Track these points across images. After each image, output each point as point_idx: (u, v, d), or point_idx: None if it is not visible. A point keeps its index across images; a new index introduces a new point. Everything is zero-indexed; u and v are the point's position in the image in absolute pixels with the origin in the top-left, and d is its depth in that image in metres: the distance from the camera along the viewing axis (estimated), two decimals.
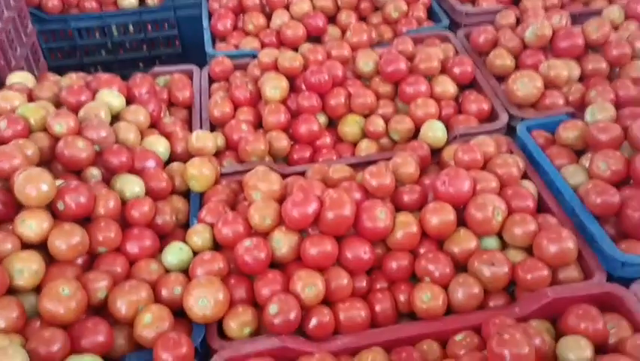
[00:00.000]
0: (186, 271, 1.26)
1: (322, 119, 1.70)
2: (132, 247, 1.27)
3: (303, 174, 1.49)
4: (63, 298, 1.07)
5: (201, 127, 1.69)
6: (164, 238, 1.36)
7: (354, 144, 1.68)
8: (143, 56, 2.58)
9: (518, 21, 1.93)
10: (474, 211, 1.26)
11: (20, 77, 1.68)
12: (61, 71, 2.47)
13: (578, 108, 1.61)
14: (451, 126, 1.63)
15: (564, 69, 1.66)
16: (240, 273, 1.25)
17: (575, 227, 1.30)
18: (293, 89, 1.73)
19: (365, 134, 1.66)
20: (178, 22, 2.48)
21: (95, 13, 2.43)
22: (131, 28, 2.50)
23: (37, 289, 1.14)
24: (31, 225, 1.16)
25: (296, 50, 2.03)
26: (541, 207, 1.37)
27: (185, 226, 1.43)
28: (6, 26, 1.98)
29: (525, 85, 1.62)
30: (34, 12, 2.33)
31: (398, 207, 1.35)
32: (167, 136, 1.59)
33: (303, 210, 1.23)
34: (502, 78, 1.77)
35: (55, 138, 1.39)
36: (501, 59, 1.76)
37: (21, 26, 2.12)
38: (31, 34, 2.19)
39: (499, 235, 1.29)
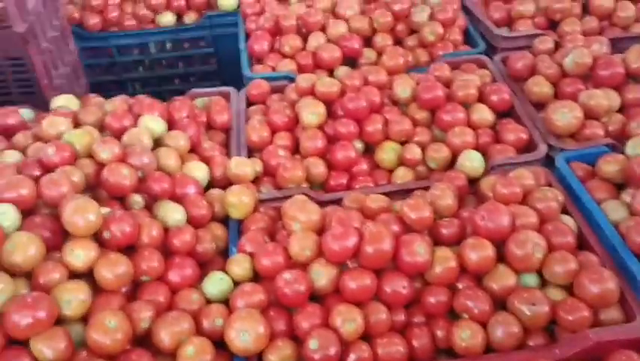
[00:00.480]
0: (226, 301, 1.28)
1: (359, 145, 1.71)
2: (174, 276, 1.29)
3: (340, 201, 1.51)
4: (109, 330, 1.10)
5: (239, 151, 1.72)
6: (204, 265, 1.39)
7: (391, 171, 1.68)
8: (180, 73, 2.63)
9: (557, 46, 1.92)
10: (514, 248, 1.26)
11: (64, 100, 1.72)
12: (100, 87, 2.55)
13: (619, 139, 1.60)
14: (489, 155, 1.62)
15: (604, 99, 1.64)
16: (279, 305, 1.26)
17: (616, 265, 1.29)
18: (330, 114, 1.74)
19: (402, 161, 1.67)
20: (214, 40, 2.52)
21: (133, 31, 2.48)
22: (168, 45, 2.54)
23: (83, 318, 1.17)
24: (80, 255, 1.19)
25: (332, 72, 2.06)
26: (581, 243, 1.36)
27: (224, 252, 1.45)
28: (50, 46, 2.03)
29: (564, 115, 1.61)
30: (75, 30, 2.38)
31: (436, 240, 1.35)
32: (206, 161, 1.62)
33: (343, 243, 1.24)
34: (540, 105, 1.76)
35: (101, 165, 1.42)
36: (539, 87, 1.75)
37: (64, 45, 2.18)
38: (73, 53, 2.24)
39: (539, 271, 1.29)
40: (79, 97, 1.84)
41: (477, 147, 1.64)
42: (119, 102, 1.72)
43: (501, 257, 1.29)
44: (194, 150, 1.66)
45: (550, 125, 1.63)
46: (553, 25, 2.08)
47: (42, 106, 1.89)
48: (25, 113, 1.72)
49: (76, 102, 1.74)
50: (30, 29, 1.87)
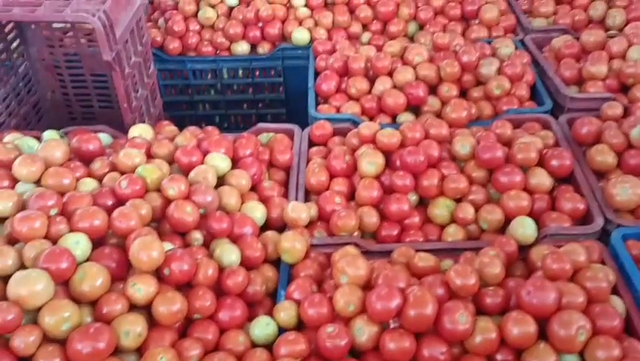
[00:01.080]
0: (270, 345, 1.34)
1: (413, 197, 1.74)
2: (224, 316, 1.37)
3: (389, 253, 1.55)
4: None
5: (297, 191, 1.78)
6: (252, 305, 1.46)
7: (442, 227, 1.71)
8: (248, 98, 2.73)
9: (626, 111, 1.89)
10: (557, 328, 1.26)
11: (141, 130, 1.84)
12: (173, 106, 2.70)
13: None
14: (543, 222, 1.62)
15: None
16: (319, 356, 1.32)
17: None
18: (389, 163, 1.79)
19: (454, 219, 1.69)
20: (284, 70, 2.61)
21: (209, 56, 2.60)
22: (240, 72, 2.65)
23: (138, 349, 1.26)
24: (140, 289, 1.29)
25: (395, 117, 2.11)
26: (628, 327, 1.34)
27: (274, 293, 1.52)
28: (132, 70, 2.17)
29: (625, 190, 1.59)
30: (156, 53, 2.52)
31: (480, 308, 1.37)
32: (265, 200, 1.69)
33: (387, 304, 1.28)
34: (601, 174, 1.75)
35: (167, 200, 1.52)
36: (602, 156, 1.73)
37: (145, 69, 2.31)
38: (152, 75, 2.38)
39: (581, 353, 1.28)
40: (153, 125, 1.97)
41: (532, 213, 1.64)
42: (189, 135, 1.82)
43: (543, 333, 1.30)
44: (254, 188, 1.74)
45: (610, 198, 1.62)
46: (624, 88, 2.04)
47: (120, 124, 2.03)
48: (104, 138, 1.85)
49: (151, 132, 1.86)
50: (116, 57, 2.00)
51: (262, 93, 2.71)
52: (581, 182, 1.71)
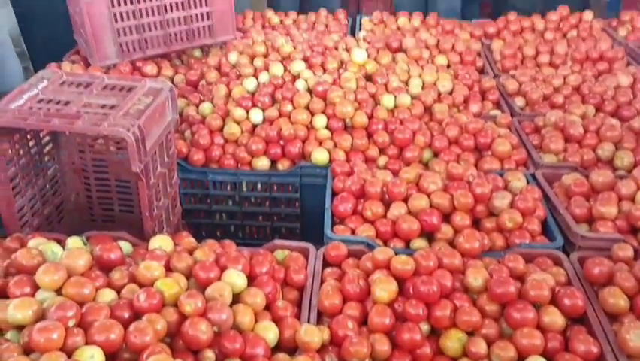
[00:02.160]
0: None
1: (425, 327, 1.74)
2: None
3: None
4: None
5: (310, 312, 1.79)
6: None
7: (454, 360, 1.70)
8: (265, 211, 2.80)
9: (637, 254, 1.93)
10: None
11: (161, 242, 1.88)
12: (191, 213, 2.76)
13: None
14: None
15: None
16: None
17: None
18: (402, 289, 1.81)
19: (466, 352, 1.68)
20: (302, 187, 2.69)
21: (230, 169, 2.70)
22: (259, 186, 2.73)
23: None
24: None
25: (409, 242, 2.15)
26: None
27: None
28: (157, 181, 2.25)
29: (638, 336, 1.59)
30: (180, 163, 2.63)
31: None
32: (278, 320, 1.70)
33: None
34: (614, 316, 1.75)
35: (183, 316, 1.54)
36: (615, 298, 1.75)
37: (168, 178, 2.40)
38: (174, 185, 2.46)
39: None
40: (172, 234, 2.02)
41: (545, 352, 1.63)
42: (207, 250, 1.86)
43: None
44: (268, 306, 1.75)
45: (623, 343, 1.61)
46: (634, 230, 2.09)
47: (139, 229, 2.08)
48: (125, 246, 1.89)
49: (171, 244, 1.90)
50: (144, 168, 2.09)
51: (279, 207, 2.78)
52: (594, 323, 1.71)
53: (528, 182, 2.33)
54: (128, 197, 2.49)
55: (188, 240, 2.00)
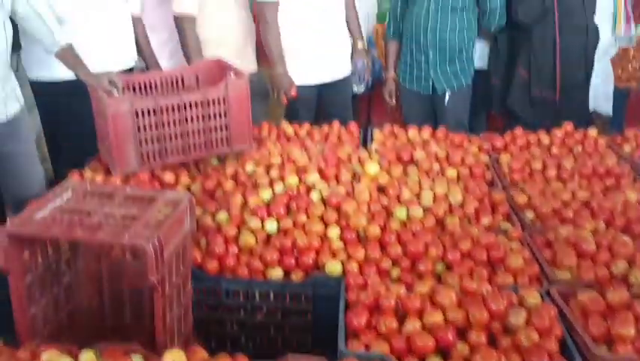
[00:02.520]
0: None
1: None
2: None
3: None
4: None
5: None
6: None
7: None
8: (276, 321, 2.76)
9: None
10: None
11: (174, 356, 1.87)
12: (202, 322, 2.73)
13: None
14: None
15: None
16: None
17: None
18: None
19: None
20: (314, 298, 2.68)
21: (244, 279, 2.70)
22: (272, 295, 2.72)
23: None
24: None
25: (424, 359, 2.11)
26: None
27: None
28: (171, 291, 2.26)
29: None
30: (194, 271, 2.64)
31: None
32: None
33: None
34: None
35: None
36: None
37: (182, 288, 2.40)
38: (187, 294, 2.46)
39: None
40: (183, 346, 2.00)
41: None
42: None
43: None
44: None
45: None
46: None
47: (149, 338, 2.06)
48: (136, 359, 1.87)
49: (183, 357, 1.88)
50: (160, 278, 2.11)
51: (289, 318, 2.75)
52: None
53: (543, 299, 2.32)
54: (140, 306, 2.49)
55: (202, 355, 1.97)
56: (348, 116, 4.74)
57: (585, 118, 4.56)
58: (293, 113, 4.55)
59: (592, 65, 4.61)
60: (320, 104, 4.61)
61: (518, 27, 4.42)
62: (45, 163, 4.18)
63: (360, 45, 4.69)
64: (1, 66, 3.05)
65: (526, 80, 4.51)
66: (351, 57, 4.64)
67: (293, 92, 4.34)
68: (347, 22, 4.56)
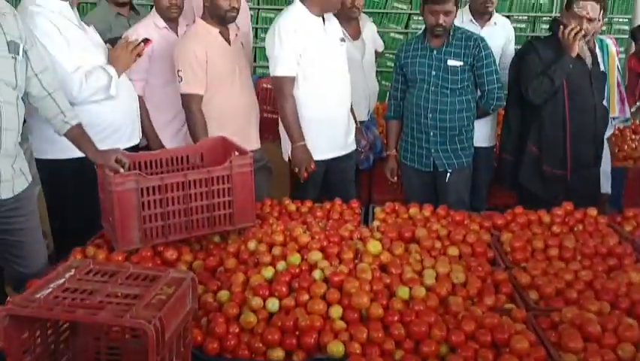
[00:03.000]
0: None
1: None
2: None
3: None
4: None
5: None
6: None
7: None
8: None
9: None
10: None
11: None
12: None
13: None
14: None
15: None
16: None
17: None
18: None
19: None
20: None
21: (245, 359, 2.65)
22: None
23: None
24: None
25: None
26: None
27: None
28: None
29: None
30: (194, 351, 2.59)
31: None
32: None
33: None
34: None
35: None
36: None
37: None
38: None
39: None
40: None
41: None
42: None
43: None
44: None
45: None
46: None
47: None
48: None
49: None
50: (160, 360, 2.08)
51: None
52: None
53: None
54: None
55: None
56: (352, 190, 4.81)
57: (596, 196, 4.59)
58: (299, 189, 4.61)
59: (602, 144, 4.69)
60: (325, 179, 4.67)
61: (528, 103, 4.50)
62: (47, 238, 4.19)
63: (357, 124, 4.85)
64: (12, 145, 3.11)
65: (537, 156, 4.56)
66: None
67: (313, 166, 4.40)
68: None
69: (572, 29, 4.18)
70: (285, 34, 4.05)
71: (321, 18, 4.32)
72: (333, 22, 4.51)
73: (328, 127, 4.49)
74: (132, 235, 3.20)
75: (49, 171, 4.03)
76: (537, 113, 4.50)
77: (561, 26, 4.26)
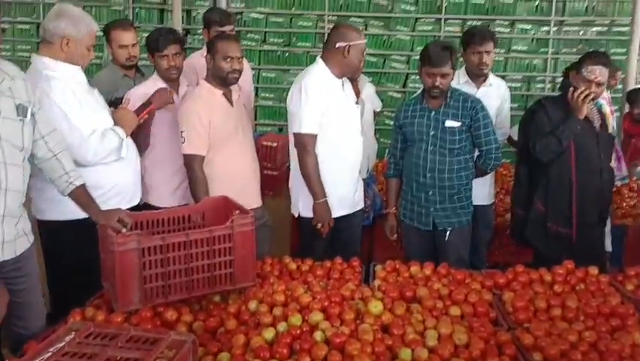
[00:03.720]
0: None
1: None
2: None
3: None
4: None
5: None
6: None
7: None
8: None
9: None
10: None
11: None
12: None
13: None
14: None
15: None
16: None
17: None
18: None
19: None
20: None
21: None
22: None
23: None
24: None
25: None
26: None
27: None
28: None
29: None
30: None
31: None
32: None
33: None
34: None
35: None
36: None
37: None
38: None
39: None
40: None
41: None
42: None
43: None
44: None
45: None
46: None
47: None
48: None
49: None
50: None
51: None
52: None
53: None
54: None
55: None
56: (358, 247, 4.83)
57: (600, 256, 4.58)
58: (305, 245, 4.61)
59: (608, 205, 4.71)
60: (332, 236, 4.67)
61: (536, 161, 4.55)
62: (44, 296, 4.15)
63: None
64: (16, 206, 3.14)
65: (543, 214, 4.58)
66: None
67: (332, 223, 4.43)
68: None
69: (582, 92, 4.28)
70: (312, 92, 4.15)
71: (340, 80, 4.47)
72: (347, 84, 4.67)
73: (340, 185, 4.56)
74: (132, 295, 3.18)
75: (48, 232, 4.03)
76: (545, 171, 4.55)
77: (570, 88, 4.36)
